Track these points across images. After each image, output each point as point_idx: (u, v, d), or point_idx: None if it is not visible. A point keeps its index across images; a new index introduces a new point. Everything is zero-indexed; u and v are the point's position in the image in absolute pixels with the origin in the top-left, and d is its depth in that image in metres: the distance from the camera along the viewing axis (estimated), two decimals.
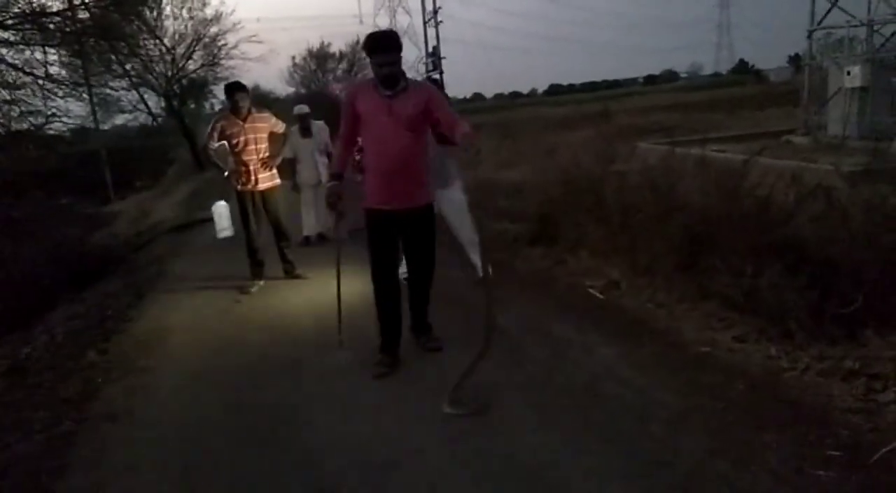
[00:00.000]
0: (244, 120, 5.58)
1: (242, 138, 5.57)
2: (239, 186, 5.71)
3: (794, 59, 42.87)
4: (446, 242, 4.91)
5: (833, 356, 3.20)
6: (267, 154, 5.73)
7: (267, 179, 5.77)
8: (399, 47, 3.49)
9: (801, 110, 15.53)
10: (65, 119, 11.70)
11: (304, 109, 7.71)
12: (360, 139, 3.80)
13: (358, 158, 4.38)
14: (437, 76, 28.57)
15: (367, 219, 3.74)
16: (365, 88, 3.64)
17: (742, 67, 72.17)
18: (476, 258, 5.14)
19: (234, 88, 5.66)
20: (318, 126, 7.67)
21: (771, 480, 2.36)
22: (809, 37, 15.41)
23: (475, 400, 3.17)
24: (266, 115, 5.83)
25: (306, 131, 7.54)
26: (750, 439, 2.66)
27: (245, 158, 5.60)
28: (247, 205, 5.76)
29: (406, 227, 3.72)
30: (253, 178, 5.66)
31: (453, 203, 5.02)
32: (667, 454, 2.60)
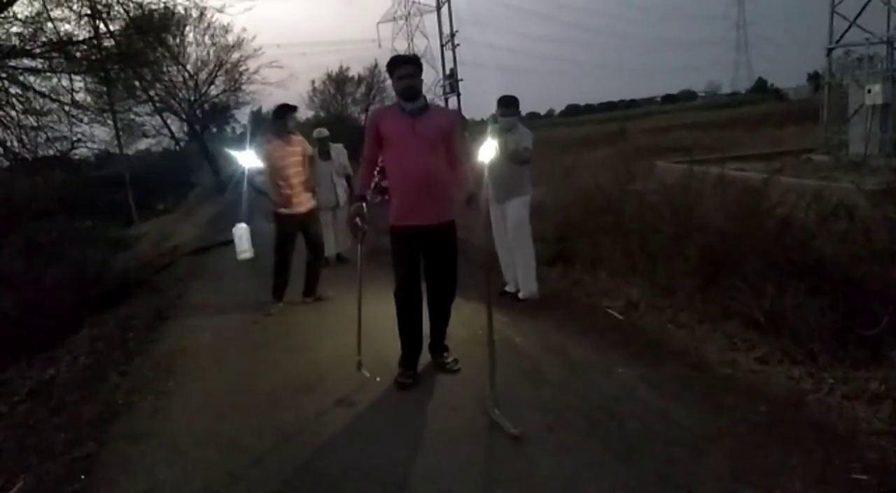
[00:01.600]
0: (288, 143, 5.65)
1: (287, 161, 5.61)
2: (283, 210, 5.70)
3: (814, 78, 42.53)
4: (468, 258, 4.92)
5: (858, 378, 3.14)
6: (304, 176, 5.77)
7: (307, 201, 5.81)
8: (419, 64, 3.79)
9: (821, 129, 15.38)
10: (89, 144, 11.92)
11: (323, 132, 7.80)
12: (380, 161, 3.90)
13: (377, 180, 4.45)
14: (454, 100, 28.84)
15: (392, 236, 3.84)
16: (388, 111, 3.85)
17: (760, 86, 71.84)
18: (528, 277, 5.27)
19: (288, 109, 5.74)
20: (337, 149, 7.75)
21: None
22: (829, 55, 15.32)
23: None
24: (300, 137, 5.90)
25: (325, 154, 7.62)
26: (774, 462, 2.61)
27: (291, 181, 5.63)
28: (288, 228, 5.76)
29: (429, 243, 3.79)
30: (296, 200, 5.68)
31: (514, 218, 5.19)
32: (689, 479, 2.55)
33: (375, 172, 4.06)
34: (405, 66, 3.69)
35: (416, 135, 3.65)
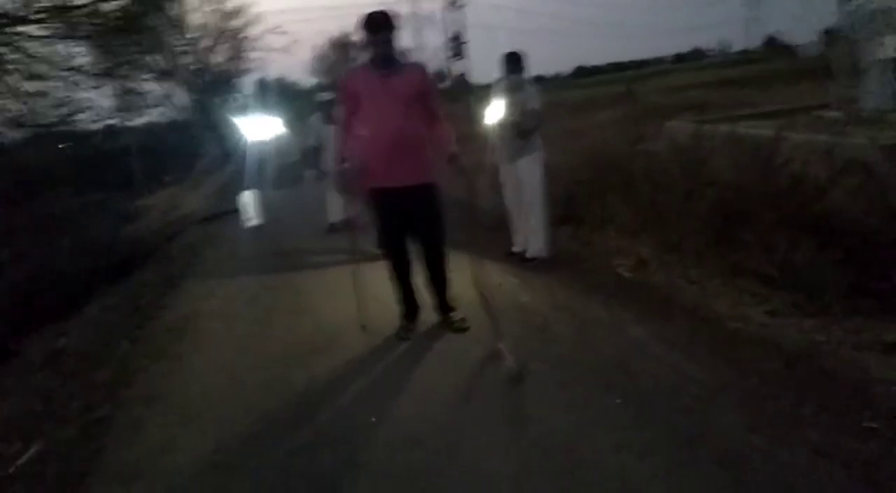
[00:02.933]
0: None
1: None
2: None
3: (826, 33, 41.53)
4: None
5: (871, 329, 3.12)
6: None
7: None
8: (391, 26, 3.54)
9: (834, 84, 15.08)
10: (90, 110, 11.85)
11: (325, 96, 7.72)
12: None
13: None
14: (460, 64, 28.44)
15: (371, 198, 3.78)
16: (360, 70, 3.78)
17: (772, 43, 70.29)
18: (537, 236, 5.22)
19: None
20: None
21: (810, 454, 2.31)
22: (842, 8, 14.95)
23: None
24: None
25: (330, 118, 7.55)
26: (787, 413, 2.60)
27: None
28: None
29: (410, 204, 3.72)
30: None
31: (528, 175, 5.10)
32: (701, 430, 2.55)
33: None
34: (380, 34, 3.51)
35: (388, 93, 3.55)
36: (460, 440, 2.73)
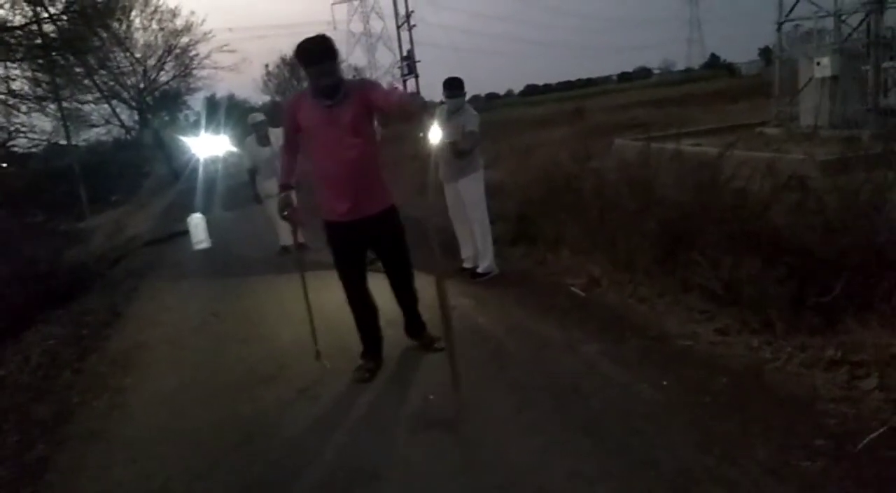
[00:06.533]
0: None
1: None
2: None
3: (764, 53, 43.36)
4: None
5: (814, 346, 3.19)
6: None
7: None
8: (333, 55, 3.27)
9: (773, 102, 15.65)
10: (30, 135, 11.43)
11: (258, 117, 7.61)
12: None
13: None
14: (412, 82, 28.60)
15: (327, 231, 3.64)
16: (304, 98, 3.46)
17: (713, 62, 72.88)
18: (486, 251, 5.39)
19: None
20: (277, 134, 7.52)
21: (759, 473, 2.34)
22: (778, 29, 15.56)
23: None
24: None
25: (264, 140, 7.43)
26: (736, 432, 2.64)
27: None
28: None
29: (371, 234, 3.59)
30: None
31: (470, 193, 5.24)
32: (654, 452, 2.57)
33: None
34: (319, 65, 3.20)
35: (335, 126, 3.32)
36: (419, 470, 2.68)
